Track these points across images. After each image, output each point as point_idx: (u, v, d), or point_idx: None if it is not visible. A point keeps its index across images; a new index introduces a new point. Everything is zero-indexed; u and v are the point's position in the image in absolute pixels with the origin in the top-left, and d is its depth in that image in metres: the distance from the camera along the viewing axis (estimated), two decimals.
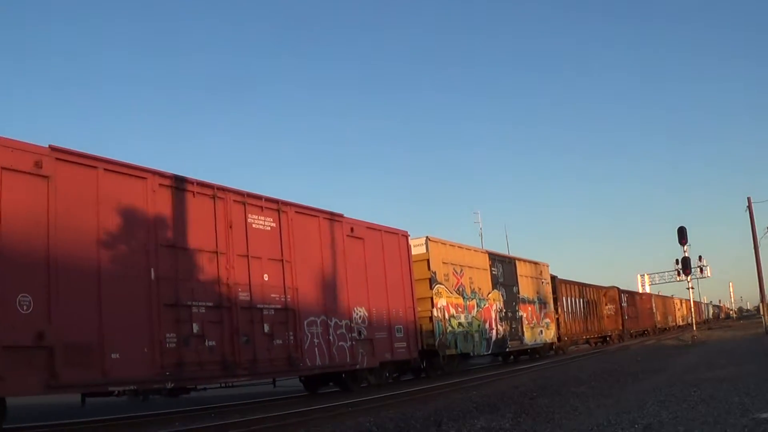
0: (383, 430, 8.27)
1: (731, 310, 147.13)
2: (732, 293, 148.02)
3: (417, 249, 18.34)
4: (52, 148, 9.38)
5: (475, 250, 21.89)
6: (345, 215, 15.18)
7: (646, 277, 79.42)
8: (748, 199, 34.38)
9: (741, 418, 6.78)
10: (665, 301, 60.93)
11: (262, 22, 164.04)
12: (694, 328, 37.00)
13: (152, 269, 10.36)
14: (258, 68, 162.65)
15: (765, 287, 34.17)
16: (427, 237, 18.74)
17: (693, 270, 41.48)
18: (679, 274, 42.27)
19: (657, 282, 78.45)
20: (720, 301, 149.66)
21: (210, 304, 11.30)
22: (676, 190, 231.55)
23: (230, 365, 11.49)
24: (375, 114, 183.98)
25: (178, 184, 11.22)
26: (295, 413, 10.51)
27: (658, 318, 55.72)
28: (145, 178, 10.62)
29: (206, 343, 11.12)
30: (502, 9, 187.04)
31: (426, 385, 14.85)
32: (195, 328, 10.94)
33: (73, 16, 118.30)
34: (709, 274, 64.16)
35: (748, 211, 34.38)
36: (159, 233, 10.61)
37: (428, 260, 18.52)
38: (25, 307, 8.69)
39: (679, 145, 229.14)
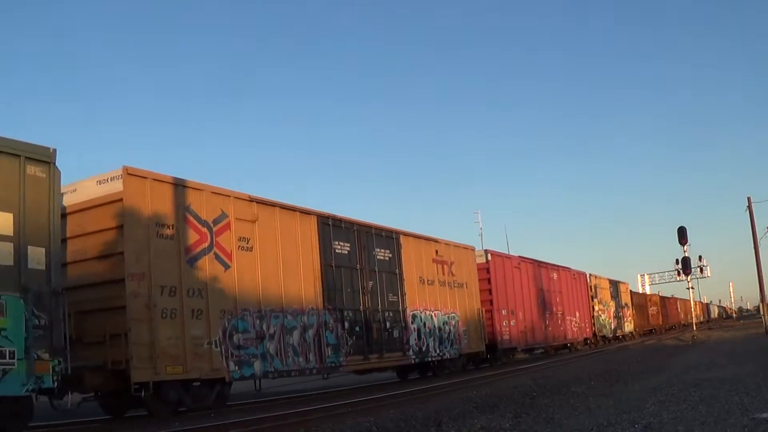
0: (383, 430, 8.36)
1: (732, 309, 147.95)
2: (732, 293, 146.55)
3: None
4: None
5: (603, 278, 38.47)
6: (571, 268, 31.83)
7: (646, 277, 79.61)
8: (748, 199, 34.55)
9: (741, 418, 6.82)
10: (685, 303, 77.51)
11: (260, 23, 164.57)
12: (695, 328, 39.33)
13: (536, 300, 26.84)
14: (257, 68, 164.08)
15: (765, 287, 34.75)
16: (589, 273, 35.36)
17: (693, 270, 42.02)
18: (679, 274, 43.03)
19: (657, 282, 78.11)
20: (720, 301, 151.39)
21: (548, 312, 27.73)
22: (676, 190, 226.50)
23: (547, 338, 27.98)
24: (374, 115, 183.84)
25: (536, 263, 27.68)
26: (295, 413, 10.58)
27: (682, 316, 73.13)
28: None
29: (546, 329, 27.56)
30: (501, 9, 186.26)
31: (426, 385, 15.48)
32: (547, 321, 27.38)
33: (73, 17, 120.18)
34: (709, 274, 64.82)
35: (748, 211, 34.47)
36: (533, 286, 26.98)
37: (591, 286, 35.08)
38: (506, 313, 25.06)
39: (678, 145, 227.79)
